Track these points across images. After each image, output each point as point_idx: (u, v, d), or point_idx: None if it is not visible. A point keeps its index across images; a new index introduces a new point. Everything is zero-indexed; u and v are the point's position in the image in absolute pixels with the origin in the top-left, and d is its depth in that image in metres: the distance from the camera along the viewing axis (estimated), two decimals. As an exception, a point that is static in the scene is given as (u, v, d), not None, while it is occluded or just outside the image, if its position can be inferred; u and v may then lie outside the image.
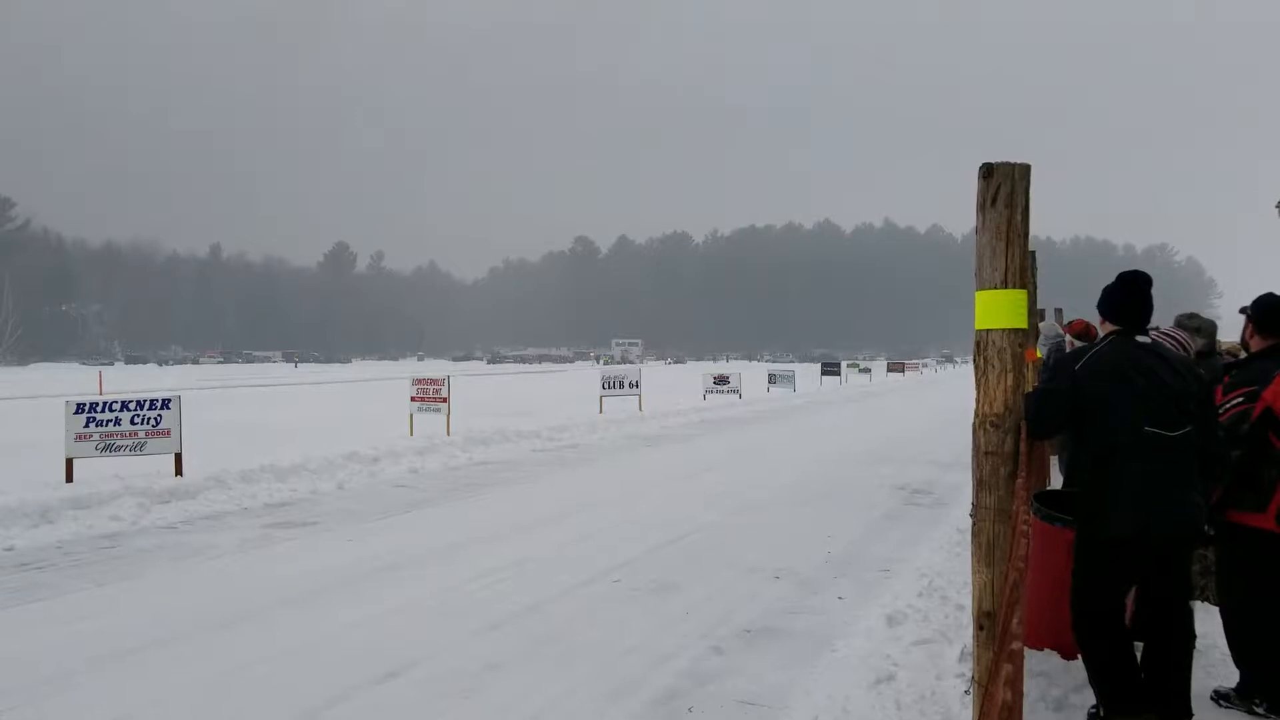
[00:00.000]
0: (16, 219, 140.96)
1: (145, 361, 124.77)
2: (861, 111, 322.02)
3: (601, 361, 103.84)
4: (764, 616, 6.65)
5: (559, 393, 39.22)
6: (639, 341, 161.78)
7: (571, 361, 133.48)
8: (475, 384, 47.43)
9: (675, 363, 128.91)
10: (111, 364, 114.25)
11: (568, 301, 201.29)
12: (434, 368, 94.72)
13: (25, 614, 6.80)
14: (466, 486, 13.06)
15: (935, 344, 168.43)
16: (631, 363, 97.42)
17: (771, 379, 42.80)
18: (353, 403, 34.30)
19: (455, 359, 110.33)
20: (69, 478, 11.95)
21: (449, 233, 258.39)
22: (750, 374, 45.86)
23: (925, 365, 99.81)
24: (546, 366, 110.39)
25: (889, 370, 78.32)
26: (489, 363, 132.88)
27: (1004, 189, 2.88)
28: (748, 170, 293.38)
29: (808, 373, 59.80)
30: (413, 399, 19.38)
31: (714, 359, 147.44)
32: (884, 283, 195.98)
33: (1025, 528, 2.46)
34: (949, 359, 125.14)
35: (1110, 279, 4.39)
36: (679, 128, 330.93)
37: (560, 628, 6.34)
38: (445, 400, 18.70)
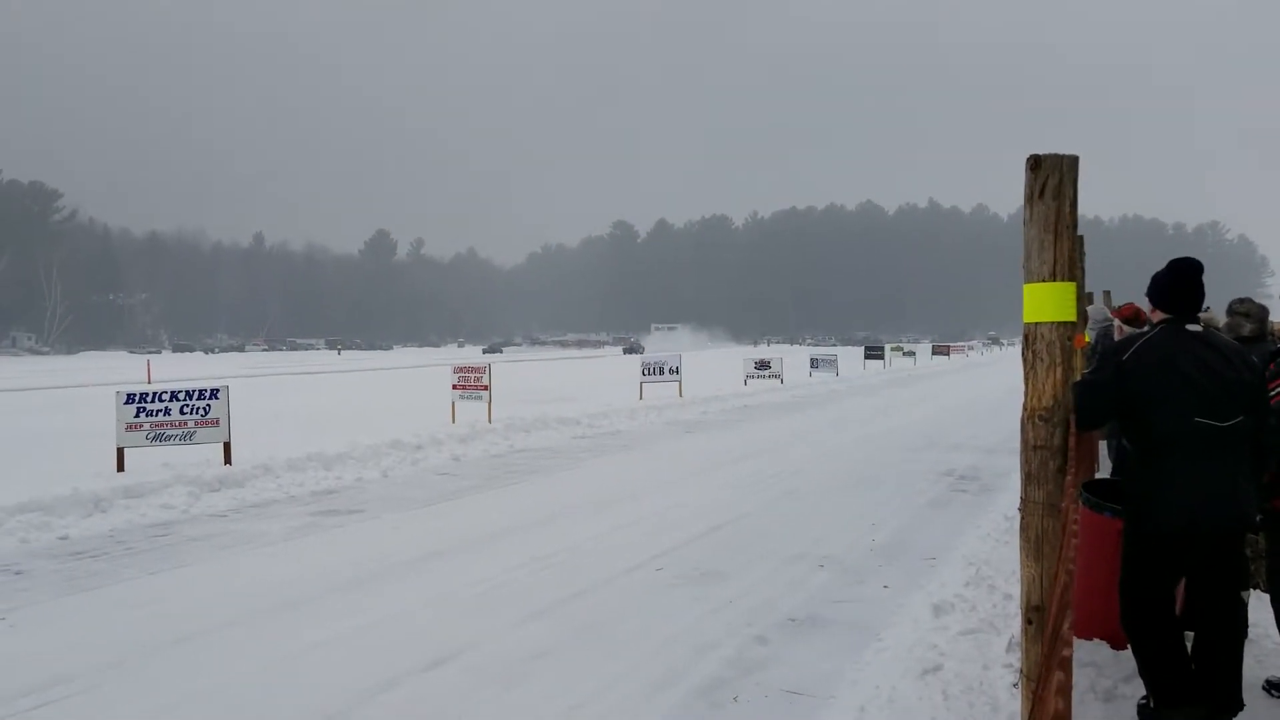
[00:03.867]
0: (63, 210, 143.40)
1: (192, 350, 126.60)
2: (903, 89, 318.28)
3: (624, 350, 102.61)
4: (808, 605, 6.64)
5: (598, 378, 39.31)
6: (677, 325, 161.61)
7: (600, 346, 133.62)
8: (515, 370, 47.70)
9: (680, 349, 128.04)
10: (159, 352, 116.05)
11: (606, 286, 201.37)
12: (472, 355, 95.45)
13: (82, 602, 6.95)
14: (508, 474, 13.15)
15: (981, 326, 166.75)
16: (639, 351, 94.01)
17: (814, 363, 42.53)
18: (395, 390, 34.59)
19: (491, 347, 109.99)
20: (120, 467, 12.18)
21: (488, 219, 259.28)
22: (792, 358, 45.63)
23: (971, 348, 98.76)
24: (586, 352, 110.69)
25: (934, 353, 77.50)
26: (520, 347, 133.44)
27: (1052, 181, 2.84)
28: (788, 152, 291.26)
29: (851, 356, 59.43)
30: (454, 387, 19.51)
31: (755, 343, 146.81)
32: (928, 264, 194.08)
33: (1074, 527, 2.43)
34: (995, 341, 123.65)
35: (1161, 259, 4.32)
36: (717, 109, 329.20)
37: (603, 616, 6.37)
38: (486, 388, 18.81)
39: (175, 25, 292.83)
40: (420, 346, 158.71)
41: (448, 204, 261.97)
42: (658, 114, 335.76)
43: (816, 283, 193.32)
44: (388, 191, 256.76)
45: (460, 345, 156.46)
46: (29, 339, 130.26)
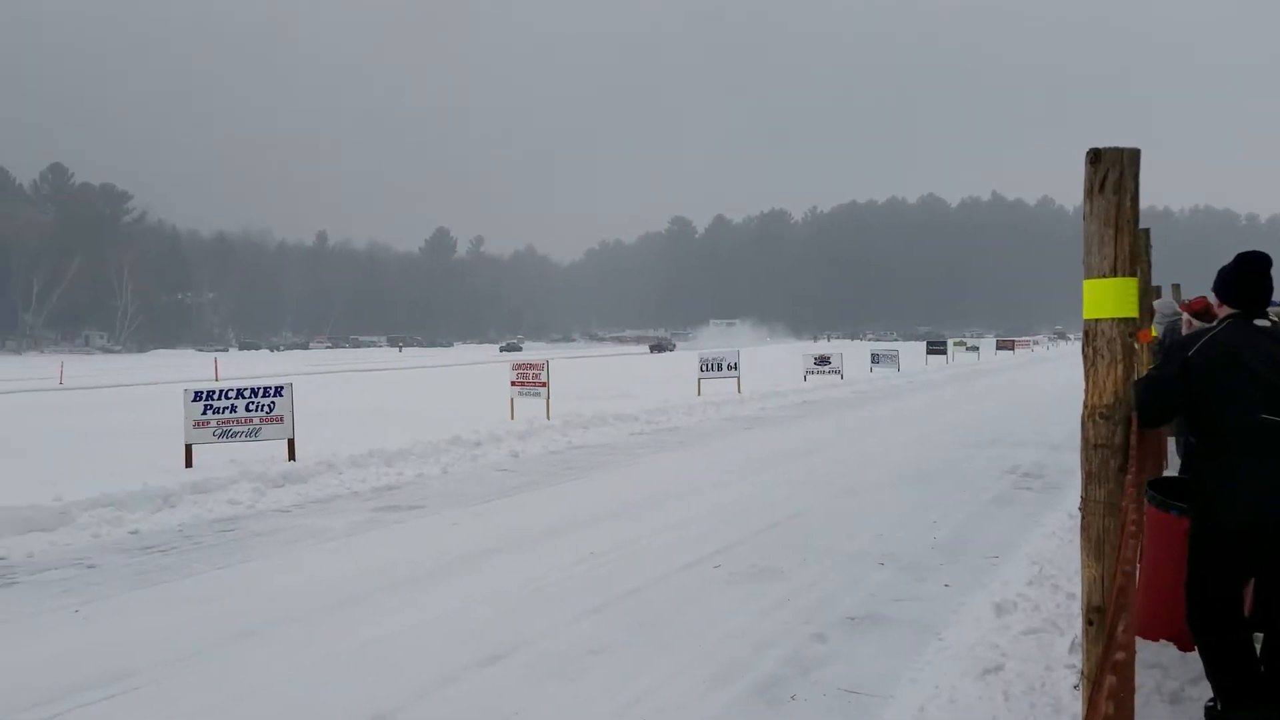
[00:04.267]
0: (133, 211, 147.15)
1: (258, 347, 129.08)
2: (968, 79, 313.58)
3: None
4: (868, 603, 6.59)
5: (656, 375, 39.32)
6: (736, 321, 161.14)
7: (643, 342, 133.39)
8: (573, 366, 47.92)
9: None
10: (226, 350, 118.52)
11: (664, 282, 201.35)
12: (530, 350, 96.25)
13: (152, 595, 7.13)
14: (566, 470, 13.22)
15: (1047, 320, 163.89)
16: (669, 349, 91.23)
17: (874, 358, 42.14)
18: (454, 386, 34.96)
19: (509, 345, 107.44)
20: (188, 463, 12.46)
21: (546, 216, 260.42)
22: (852, 353, 45.25)
23: (1036, 342, 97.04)
24: (644, 347, 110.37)
25: (998, 348, 76.34)
26: (576, 344, 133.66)
27: (1112, 174, 2.79)
28: (847, 145, 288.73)
29: (912, 351, 58.75)
30: (513, 383, 19.66)
31: (814, 338, 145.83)
32: (992, 257, 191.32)
33: (1134, 528, 2.38)
34: (1061, 336, 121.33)
35: (1233, 251, 4.22)
36: (775, 104, 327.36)
37: (661, 612, 6.38)
38: (544, 384, 18.93)
39: (239, 30, 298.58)
40: (480, 343, 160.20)
41: (507, 202, 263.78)
42: (714, 109, 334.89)
43: (877, 277, 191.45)
44: (448, 190, 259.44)
45: (519, 341, 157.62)
46: (101, 338, 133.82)
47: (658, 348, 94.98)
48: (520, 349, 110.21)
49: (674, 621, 6.19)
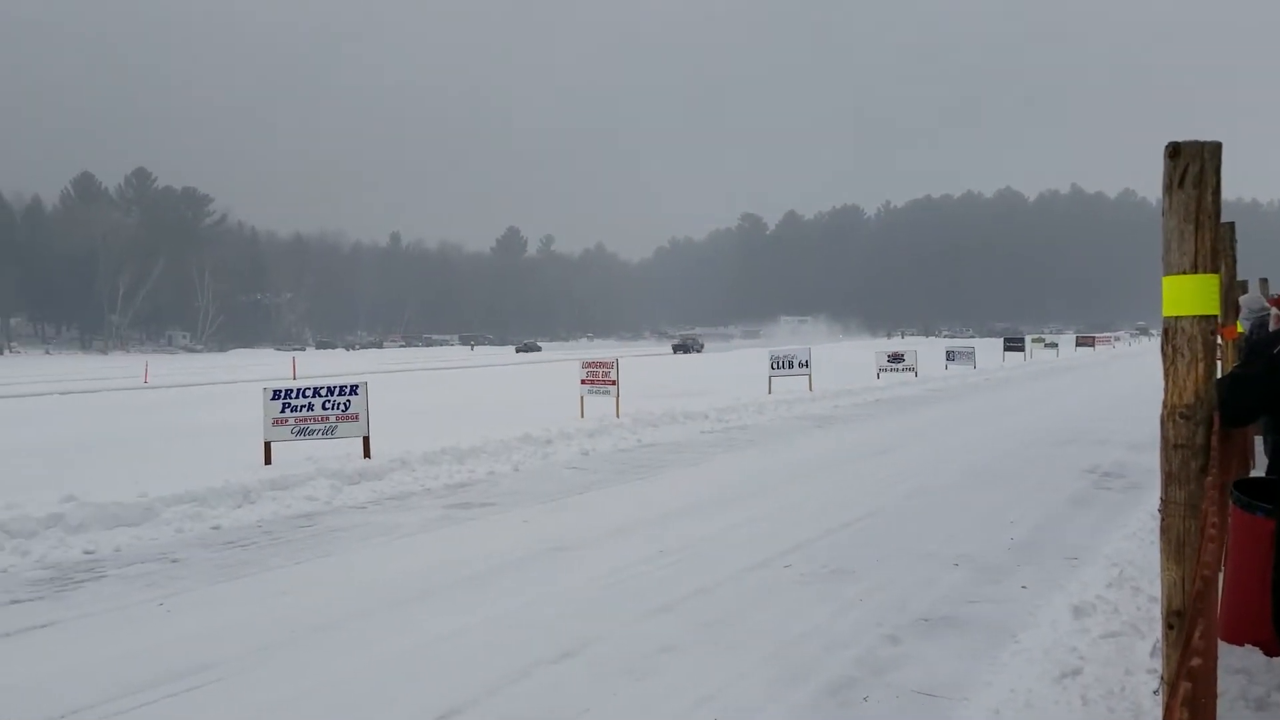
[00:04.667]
0: (214, 214, 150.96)
1: (334, 346, 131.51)
2: (1044, 69, 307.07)
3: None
4: (942, 604, 6.50)
5: (726, 373, 39.21)
6: (808, 318, 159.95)
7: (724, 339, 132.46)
8: (643, 364, 48.02)
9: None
10: (303, 349, 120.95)
11: (734, 279, 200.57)
12: (602, 348, 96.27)
13: (232, 589, 7.31)
14: (636, 468, 13.25)
15: (1128, 316, 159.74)
16: (694, 350, 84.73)
17: (950, 356, 41.49)
18: (525, 384, 35.24)
19: (525, 346, 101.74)
20: (268, 460, 12.74)
21: (615, 215, 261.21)
22: (927, 350, 44.62)
23: (1117, 339, 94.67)
24: (714, 345, 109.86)
25: (1078, 344, 74.54)
26: (648, 342, 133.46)
27: (1192, 169, 2.71)
28: (921, 139, 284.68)
29: (989, 348, 57.73)
30: (583, 382, 19.76)
31: (888, 335, 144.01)
32: (1071, 251, 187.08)
33: (1215, 530, 2.32)
34: (1144, 331, 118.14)
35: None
36: (846, 98, 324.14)
37: (731, 611, 6.37)
38: (614, 383, 19.00)
39: (314, 37, 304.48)
40: (550, 341, 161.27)
41: (576, 201, 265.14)
42: (785, 104, 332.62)
43: (953, 273, 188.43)
44: (518, 190, 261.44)
45: (591, 340, 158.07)
46: (184, 338, 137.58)
47: (683, 348, 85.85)
48: (538, 349, 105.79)
49: (744, 621, 6.18)
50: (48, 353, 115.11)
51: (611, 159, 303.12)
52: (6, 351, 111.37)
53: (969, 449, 14.73)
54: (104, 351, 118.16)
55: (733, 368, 44.25)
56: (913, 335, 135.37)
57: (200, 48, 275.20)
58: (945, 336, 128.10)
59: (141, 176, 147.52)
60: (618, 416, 17.98)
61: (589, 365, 19.99)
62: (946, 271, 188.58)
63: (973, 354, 41.72)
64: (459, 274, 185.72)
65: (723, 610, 6.40)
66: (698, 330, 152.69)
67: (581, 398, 19.66)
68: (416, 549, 8.61)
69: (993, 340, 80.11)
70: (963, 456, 13.87)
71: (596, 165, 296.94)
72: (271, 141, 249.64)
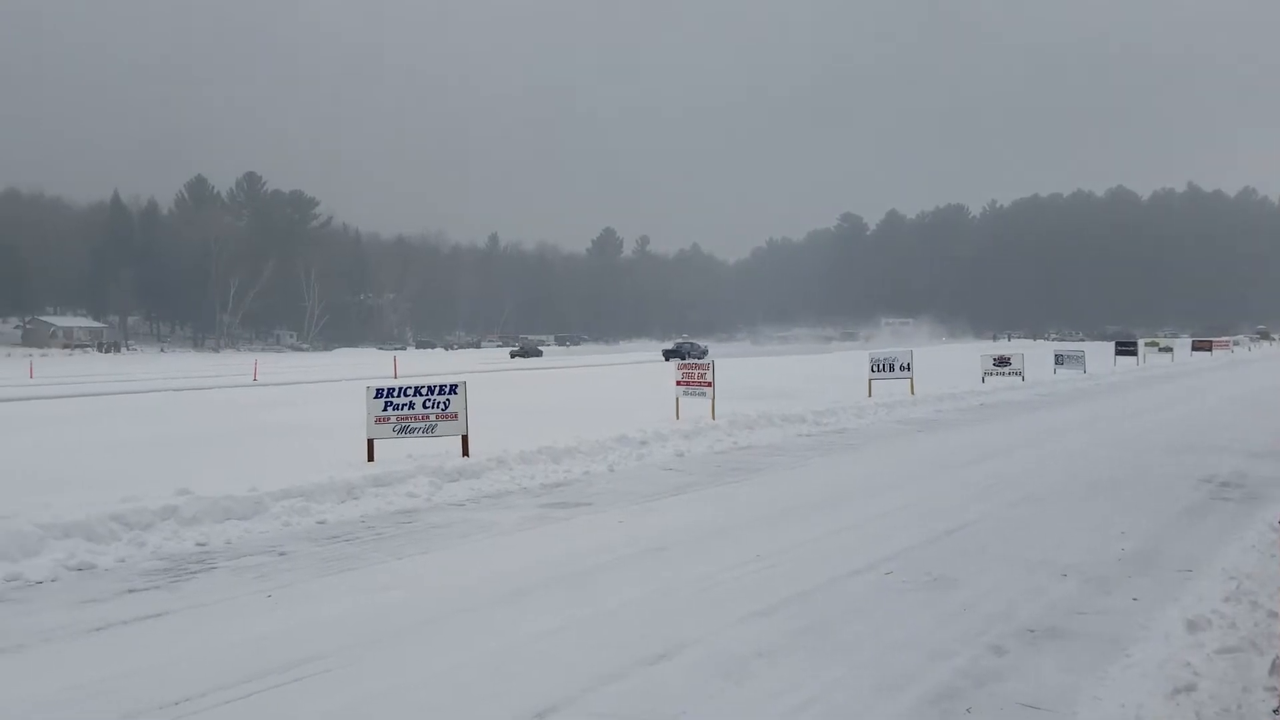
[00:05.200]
0: (320, 216, 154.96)
1: (433, 346, 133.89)
2: (1158, 64, 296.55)
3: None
4: (1049, 615, 6.30)
5: (825, 375, 38.74)
6: (910, 320, 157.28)
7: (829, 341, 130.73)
8: (739, 365, 47.72)
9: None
10: (404, 348, 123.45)
11: (833, 280, 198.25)
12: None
13: (338, 582, 7.47)
14: (732, 471, 13.17)
15: (1248, 319, 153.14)
16: (694, 355, 67.46)
17: (1058, 359, 40.23)
18: (620, 385, 35.36)
19: (524, 349, 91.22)
20: (370, 457, 13.01)
21: (712, 215, 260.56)
22: (1034, 354, 43.34)
23: (1236, 343, 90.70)
24: (812, 347, 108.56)
25: (1194, 349, 71.54)
26: (752, 343, 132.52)
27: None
28: (1028, 137, 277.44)
29: (1100, 352, 55.85)
30: (678, 383, 19.73)
31: (994, 338, 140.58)
32: (1187, 252, 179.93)
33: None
34: (1265, 336, 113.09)
35: None
36: (949, 95, 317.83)
37: (829, 617, 6.27)
38: (710, 384, 18.92)
39: (411, 43, 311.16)
40: (648, 340, 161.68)
41: (672, 201, 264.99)
42: (885, 100, 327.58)
43: (1061, 274, 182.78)
44: (614, 191, 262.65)
45: (684, 339, 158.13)
46: (290, 337, 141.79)
47: (679, 354, 68.99)
48: (539, 353, 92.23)
49: (843, 627, 6.07)
50: (163, 350, 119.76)
51: (708, 159, 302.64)
52: (124, 349, 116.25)
53: (1078, 456, 14.28)
54: (216, 350, 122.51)
55: (830, 370, 43.73)
56: (1019, 338, 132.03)
57: (306, 55, 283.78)
58: (1053, 339, 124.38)
59: (252, 180, 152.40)
60: (713, 418, 17.90)
61: (684, 367, 19.96)
62: (1055, 272, 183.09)
63: (1082, 358, 40.41)
64: (555, 275, 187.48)
65: (820, 616, 6.30)
66: (794, 330, 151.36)
67: (677, 399, 19.63)
68: (514, 547, 8.69)
69: (1104, 344, 77.49)
70: (1071, 463, 13.45)
71: (693, 165, 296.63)
72: (375, 145, 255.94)
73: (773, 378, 36.34)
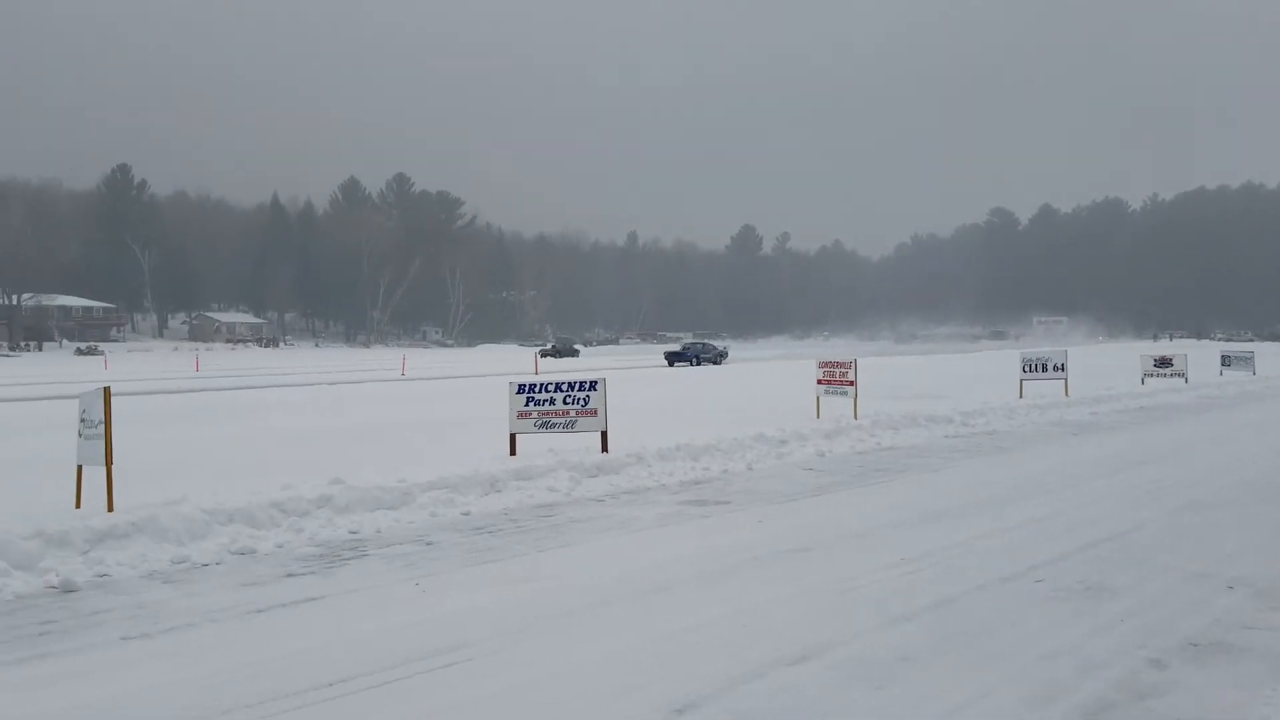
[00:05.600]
0: (465, 216, 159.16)
1: (572, 343, 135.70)
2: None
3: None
4: (1213, 629, 5.96)
5: (973, 374, 37.67)
6: (1064, 318, 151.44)
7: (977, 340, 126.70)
8: (883, 365, 46.87)
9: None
10: (544, 345, 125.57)
11: (983, 278, 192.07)
12: (839, 348, 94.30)
13: (482, 573, 7.66)
14: (875, 472, 12.93)
15: None
16: (691, 360, 58.00)
17: (1225, 360, 38.10)
18: (759, 383, 35.13)
19: (559, 346, 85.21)
20: (512, 451, 13.27)
21: (854, 210, 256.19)
22: (1198, 355, 41.13)
23: None
24: (958, 346, 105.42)
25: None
26: (895, 342, 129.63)
27: None
28: (1191, 127, 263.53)
29: (1271, 353, 52.76)
30: (819, 381, 19.47)
31: (1154, 338, 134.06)
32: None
33: None
34: None
35: None
36: (1106, 86, 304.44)
37: (976, 624, 6.08)
38: (852, 383, 18.60)
39: (550, 45, 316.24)
40: (790, 338, 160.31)
41: (812, 196, 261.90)
42: (1038, 91, 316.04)
43: (1229, 271, 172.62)
44: (754, 188, 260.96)
45: (826, 339, 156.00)
46: (436, 333, 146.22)
47: (681, 357, 59.21)
48: (575, 353, 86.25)
49: (990, 635, 5.88)
50: (317, 346, 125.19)
51: (852, 154, 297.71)
52: (282, 344, 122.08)
53: (1246, 462, 13.49)
54: (366, 345, 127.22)
55: (979, 370, 42.48)
56: (1182, 338, 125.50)
57: (451, 60, 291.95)
58: (1219, 340, 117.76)
59: (401, 181, 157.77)
60: (855, 418, 17.61)
61: (825, 365, 19.69)
62: (1222, 269, 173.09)
63: (1251, 359, 38.17)
64: (694, 272, 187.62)
65: (967, 623, 6.12)
66: (941, 329, 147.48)
67: (818, 398, 19.37)
68: (652, 543, 8.74)
69: (1275, 344, 72.91)
70: (1239, 470, 12.71)
71: (835, 160, 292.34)
72: (519, 145, 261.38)
73: (917, 377, 35.58)
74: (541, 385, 13.87)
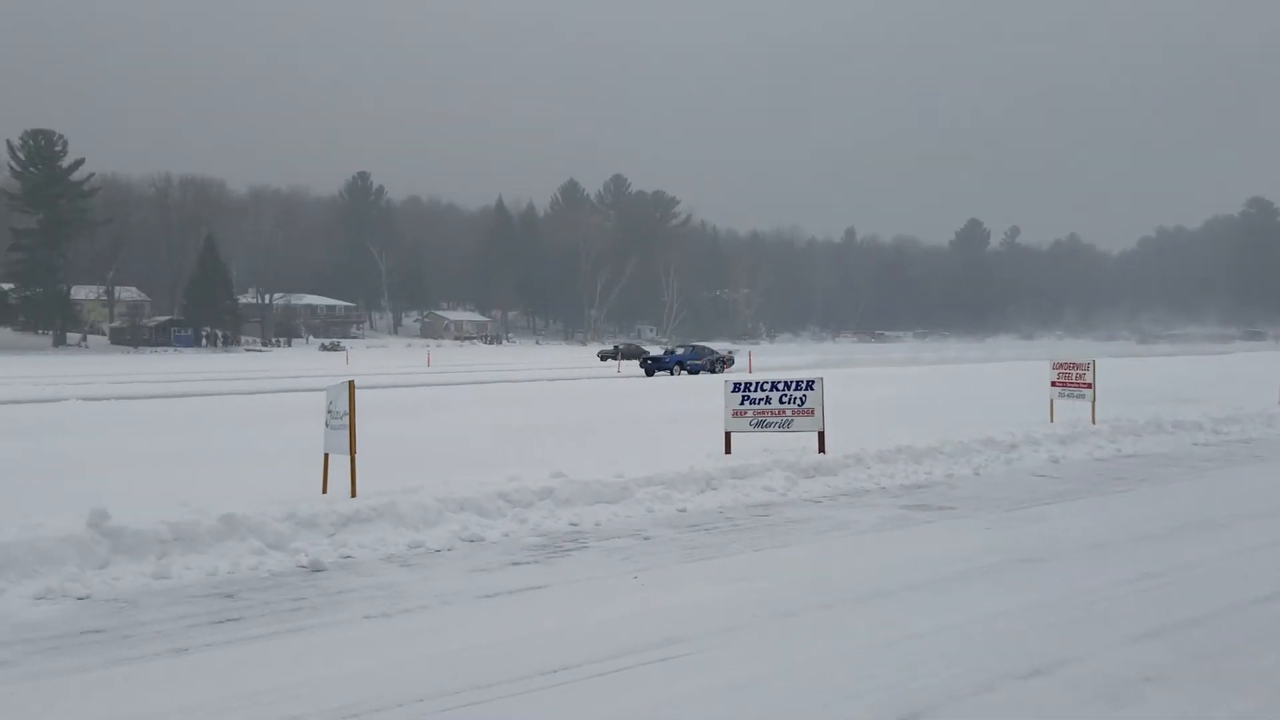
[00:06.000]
0: (679, 215, 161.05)
1: (786, 341, 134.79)
2: None
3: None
4: None
5: (1226, 377, 34.80)
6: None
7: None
8: (1124, 366, 44.04)
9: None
10: (757, 343, 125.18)
11: (1237, 273, 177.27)
12: (1073, 348, 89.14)
13: (698, 569, 7.70)
14: (1114, 480, 12.17)
15: None
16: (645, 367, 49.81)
17: None
18: (984, 384, 33.70)
19: (626, 350, 72.42)
20: (727, 449, 13.26)
21: (1090, 201, 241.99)
22: None
23: None
24: (1208, 347, 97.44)
25: None
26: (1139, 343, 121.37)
27: None
28: None
29: None
30: (1053, 384, 18.46)
31: None
32: None
33: None
34: None
35: None
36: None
37: (1231, 645, 5.61)
38: (1089, 386, 17.54)
39: (768, 36, 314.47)
40: (1016, 338, 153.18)
41: (1044, 189, 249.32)
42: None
43: None
44: (979, 182, 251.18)
45: (1060, 339, 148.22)
46: (650, 331, 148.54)
47: (658, 364, 50.44)
48: (642, 358, 62.90)
49: (1249, 657, 5.41)
50: (537, 343, 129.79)
51: (1087, 145, 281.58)
52: (505, 341, 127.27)
53: None
54: (583, 343, 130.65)
55: (1232, 372, 39.25)
56: None
57: (670, 63, 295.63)
58: None
59: (618, 182, 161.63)
60: (1093, 423, 16.60)
61: (1060, 366, 18.66)
62: None
63: None
64: (915, 268, 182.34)
65: (1220, 643, 5.65)
66: (1189, 329, 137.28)
67: (1051, 401, 18.38)
68: (872, 547, 8.55)
69: None
70: None
71: (1069, 148, 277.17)
72: (733, 143, 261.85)
73: (1163, 380, 33.17)
74: (757, 384, 13.80)
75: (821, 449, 13.12)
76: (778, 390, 13.55)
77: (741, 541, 8.73)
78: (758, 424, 13.58)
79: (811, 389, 13.46)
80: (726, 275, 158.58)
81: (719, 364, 48.45)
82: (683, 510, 10.20)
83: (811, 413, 13.40)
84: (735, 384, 13.86)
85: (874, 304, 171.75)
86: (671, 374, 46.14)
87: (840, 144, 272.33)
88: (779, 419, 13.52)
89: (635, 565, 7.80)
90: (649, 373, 46.62)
